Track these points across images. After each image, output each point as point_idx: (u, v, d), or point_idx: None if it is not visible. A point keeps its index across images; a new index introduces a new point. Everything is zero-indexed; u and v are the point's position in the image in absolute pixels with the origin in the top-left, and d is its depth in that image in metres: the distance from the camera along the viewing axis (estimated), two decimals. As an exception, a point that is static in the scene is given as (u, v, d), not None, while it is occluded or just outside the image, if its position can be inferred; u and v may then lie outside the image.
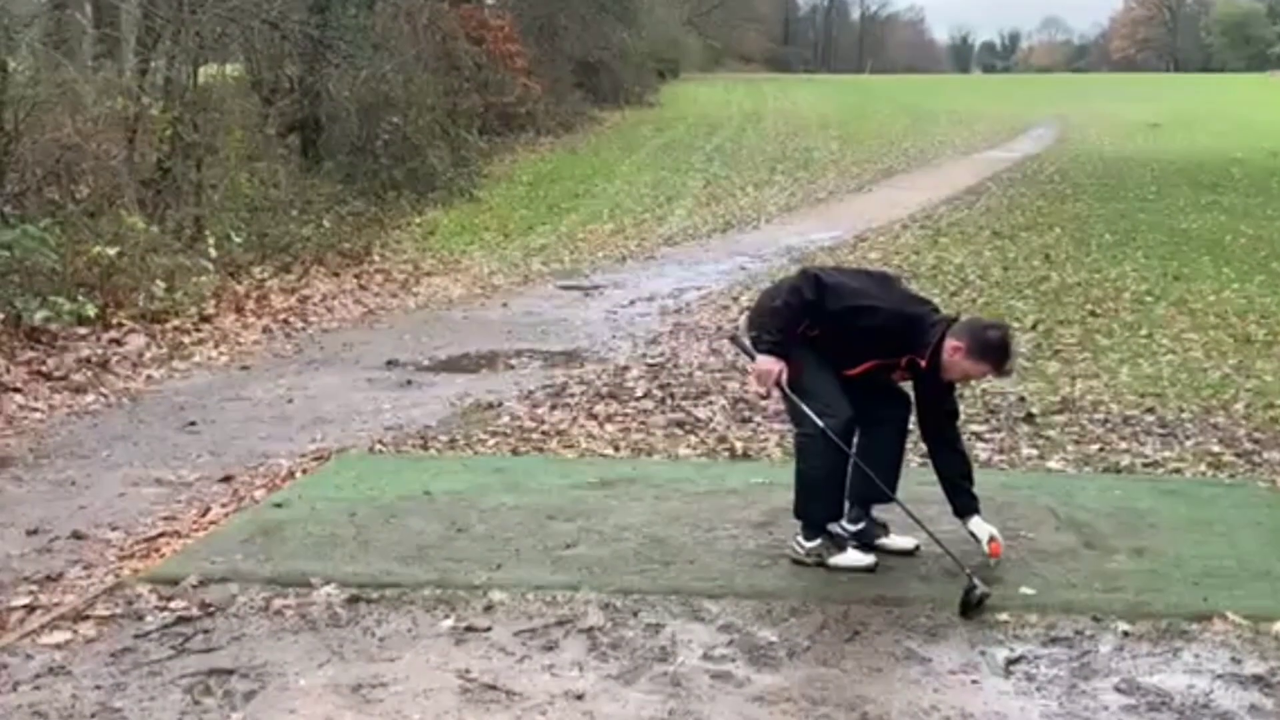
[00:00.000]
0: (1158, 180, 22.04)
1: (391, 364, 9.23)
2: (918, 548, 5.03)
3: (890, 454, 5.05)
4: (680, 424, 7.65)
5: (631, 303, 11.88)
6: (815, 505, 4.96)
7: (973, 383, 8.16)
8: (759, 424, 7.52)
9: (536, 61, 28.70)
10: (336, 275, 12.71)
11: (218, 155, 13.41)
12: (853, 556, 4.93)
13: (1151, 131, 33.95)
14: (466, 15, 25.17)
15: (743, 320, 5.16)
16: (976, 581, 4.53)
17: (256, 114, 16.49)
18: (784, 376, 4.85)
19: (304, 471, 6.52)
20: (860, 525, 5.06)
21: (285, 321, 10.72)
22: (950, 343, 4.75)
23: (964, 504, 4.99)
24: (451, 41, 22.89)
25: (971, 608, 4.47)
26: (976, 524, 4.95)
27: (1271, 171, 23.91)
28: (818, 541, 4.95)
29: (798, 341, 4.86)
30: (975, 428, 7.44)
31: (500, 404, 8.00)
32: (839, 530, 5.02)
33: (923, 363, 4.81)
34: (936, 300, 10.68)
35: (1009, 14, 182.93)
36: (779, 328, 4.86)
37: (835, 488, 4.96)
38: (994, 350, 4.76)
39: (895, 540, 5.09)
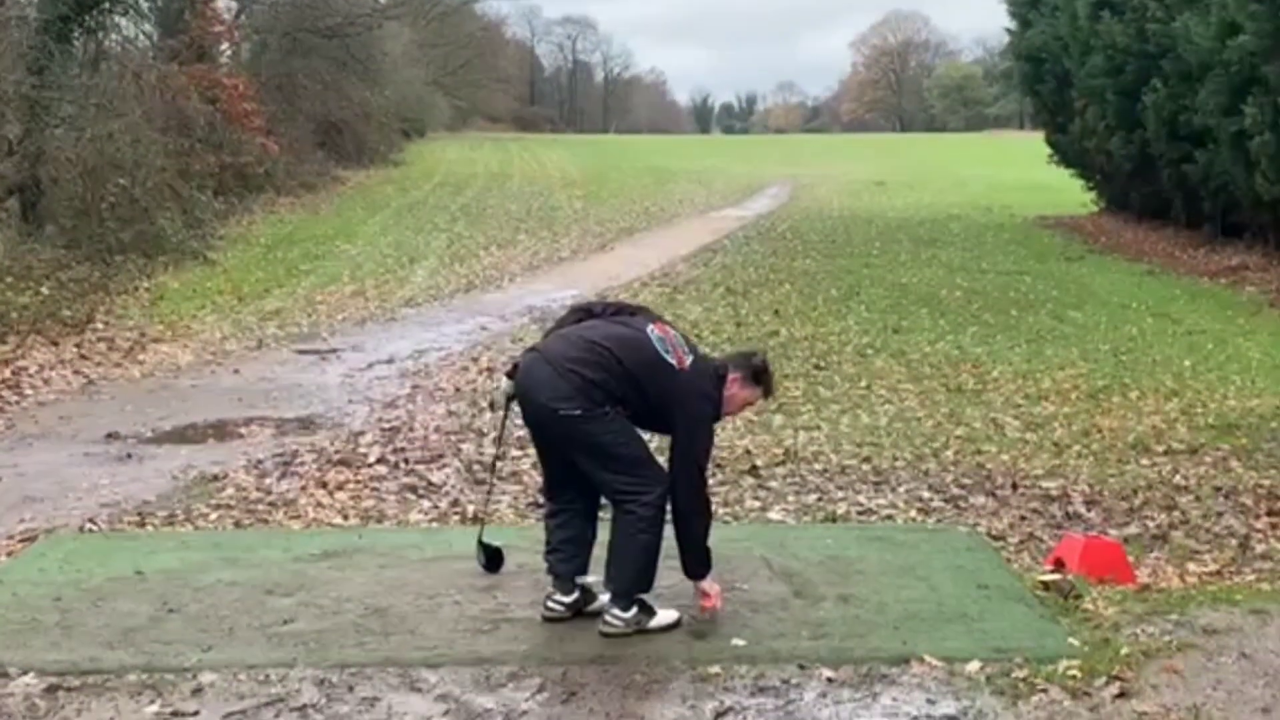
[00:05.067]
0: (881, 236, 23.13)
1: (111, 437, 8.86)
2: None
3: None
4: (413, 489, 7.62)
5: (370, 366, 11.74)
6: (647, 577, 4.93)
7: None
8: (493, 485, 7.54)
9: (276, 120, 28.16)
10: (56, 345, 12.13)
11: (-77, 221, 12.70)
12: (667, 615, 4.96)
13: (877, 190, 35.68)
14: (199, 75, 24.51)
15: (505, 385, 5.10)
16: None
17: (-29, 178, 15.67)
18: None
19: (8, 555, 6.21)
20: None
21: (-3, 395, 10.19)
22: None
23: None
24: (183, 101, 22.25)
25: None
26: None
27: (985, 226, 25.44)
28: (634, 610, 4.92)
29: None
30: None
31: (225, 475, 7.79)
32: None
33: None
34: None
35: (746, 77, 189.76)
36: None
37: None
38: None
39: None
